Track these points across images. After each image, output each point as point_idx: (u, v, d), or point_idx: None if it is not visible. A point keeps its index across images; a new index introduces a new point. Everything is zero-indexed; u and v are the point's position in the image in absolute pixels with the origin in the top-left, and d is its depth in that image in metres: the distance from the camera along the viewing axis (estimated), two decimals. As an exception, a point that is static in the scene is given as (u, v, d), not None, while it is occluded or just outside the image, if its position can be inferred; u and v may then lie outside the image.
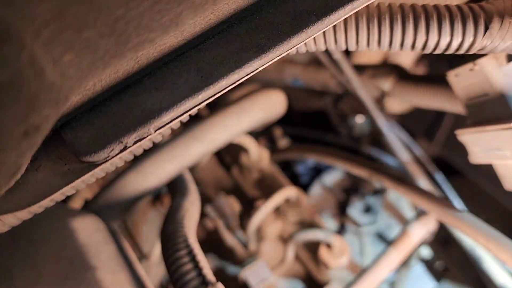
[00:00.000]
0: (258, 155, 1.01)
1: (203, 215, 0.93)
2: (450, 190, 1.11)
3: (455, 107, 0.82)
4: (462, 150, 0.68)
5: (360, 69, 1.03)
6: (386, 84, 0.97)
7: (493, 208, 1.19)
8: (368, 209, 1.13)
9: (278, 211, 0.97)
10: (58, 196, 0.41)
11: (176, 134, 0.77)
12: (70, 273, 0.51)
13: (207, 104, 0.40)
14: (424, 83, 0.87)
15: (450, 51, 0.47)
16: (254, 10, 0.41)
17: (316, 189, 1.18)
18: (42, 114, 0.26)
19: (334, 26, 0.47)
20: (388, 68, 0.99)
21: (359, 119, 1.21)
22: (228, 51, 0.39)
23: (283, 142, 1.27)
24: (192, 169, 1.02)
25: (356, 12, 0.46)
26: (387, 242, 1.09)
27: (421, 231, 0.87)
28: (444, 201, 0.69)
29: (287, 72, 1.12)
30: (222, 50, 0.39)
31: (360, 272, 0.82)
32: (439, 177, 1.11)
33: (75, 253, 0.53)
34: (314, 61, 1.07)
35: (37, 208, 0.40)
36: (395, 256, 0.84)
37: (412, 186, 0.74)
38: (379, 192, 1.15)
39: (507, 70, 0.59)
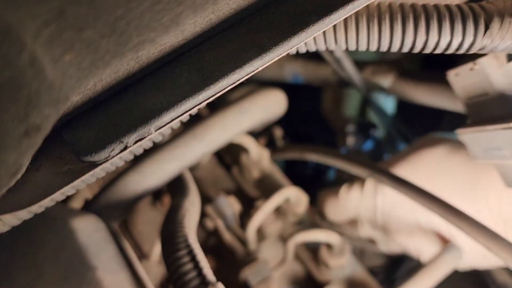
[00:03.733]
0: (258, 155, 1.01)
1: (203, 215, 0.93)
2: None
3: (456, 106, 0.82)
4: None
5: (360, 66, 1.03)
6: (387, 81, 0.97)
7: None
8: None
9: (278, 211, 0.97)
10: (58, 195, 0.41)
11: (176, 134, 0.77)
12: (70, 273, 0.51)
13: (207, 104, 0.40)
14: (425, 80, 0.87)
15: (450, 50, 0.47)
16: (255, 9, 0.41)
17: None
18: (42, 114, 0.26)
19: (334, 26, 0.47)
20: (388, 65, 1.00)
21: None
22: (229, 51, 0.39)
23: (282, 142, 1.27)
24: (192, 169, 1.02)
25: (356, 11, 0.46)
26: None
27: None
28: (445, 202, 0.69)
29: (287, 69, 1.12)
30: (222, 50, 0.39)
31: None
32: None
33: (75, 253, 0.53)
34: (314, 57, 1.07)
35: (38, 207, 0.40)
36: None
37: (412, 186, 0.74)
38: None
39: (507, 70, 0.59)
